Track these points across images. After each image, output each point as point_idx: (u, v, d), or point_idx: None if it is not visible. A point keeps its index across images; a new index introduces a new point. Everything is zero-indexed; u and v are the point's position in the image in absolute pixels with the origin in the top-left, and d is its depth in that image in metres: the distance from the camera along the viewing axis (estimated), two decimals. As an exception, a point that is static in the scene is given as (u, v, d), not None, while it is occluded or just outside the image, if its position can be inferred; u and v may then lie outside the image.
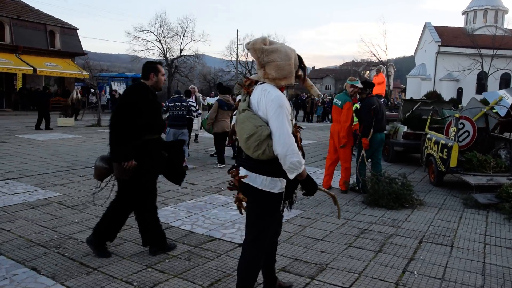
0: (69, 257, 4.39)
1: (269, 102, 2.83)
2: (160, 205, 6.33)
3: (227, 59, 47.04)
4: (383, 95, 14.80)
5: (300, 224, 5.89)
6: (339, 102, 7.74)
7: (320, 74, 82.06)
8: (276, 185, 2.97)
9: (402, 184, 7.14)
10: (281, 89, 3.01)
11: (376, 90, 14.62)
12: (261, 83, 2.96)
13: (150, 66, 4.35)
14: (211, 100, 14.17)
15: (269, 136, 2.78)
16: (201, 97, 13.64)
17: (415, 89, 46.93)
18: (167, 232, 5.20)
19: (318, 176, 9.39)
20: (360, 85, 7.70)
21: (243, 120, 2.88)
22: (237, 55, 44.07)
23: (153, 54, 38.35)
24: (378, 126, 7.74)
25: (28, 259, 4.29)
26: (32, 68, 26.17)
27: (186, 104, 9.57)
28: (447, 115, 10.74)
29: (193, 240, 5.08)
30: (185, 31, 38.89)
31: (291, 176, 2.84)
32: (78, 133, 16.17)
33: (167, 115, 9.51)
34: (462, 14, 50.23)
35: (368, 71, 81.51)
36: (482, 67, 38.77)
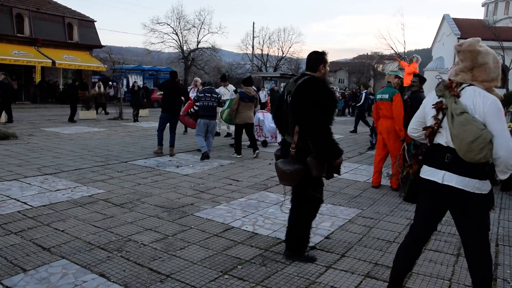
0: (135, 262, 4.05)
1: (488, 105, 2.82)
2: (212, 203, 6.01)
3: (242, 51, 46.63)
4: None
5: (365, 224, 5.51)
6: (386, 96, 7.30)
7: (333, 67, 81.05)
8: (487, 186, 2.94)
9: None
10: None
11: (407, 80, 14.13)
12: (467, 85, 2.94)
13: (319, 57, 3.99)
14: (220, 91, 13.58)
15: (491, 139, 2.78)
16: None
17: (433, 82, 45.87)
18: (230, 233, 4.88)
19: (361, 172, 9.02)
20: (402, 76, 7.61)
21: (465, 123, 2.81)
22: (252, 48, 43.61)
23: (169, 47, 38.02)
24: None
25: (93, 263, 3.95)
26: (51, 61, 25.96)
27: (216, 95, 9.81)
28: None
29: (261, 243, 4.72)
30: (202, 23, 38.48)
31: (503, 176, 2.87)
32: (102, 126, 15.89)
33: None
34: (482, 5, 49.28)
35: (381, 64, 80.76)
36: (504, 60, 37.90)
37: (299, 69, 53.04)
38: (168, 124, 10.22)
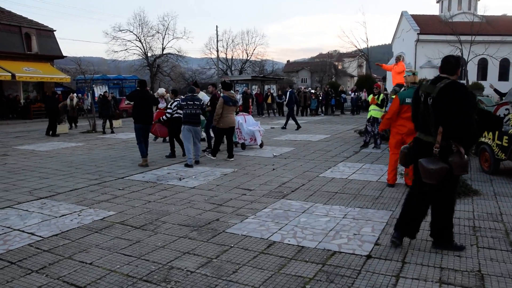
0: (192, 294, 3.53)
1: None
2: (238, 217, 5.57)
3: (206, 56, 45.93)
4: (404, 84, 14.21)
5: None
6: (409, 100, 7.01)
7: (295, 67, 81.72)
8: None
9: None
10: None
11: (396, 80, 14.07)
12: None
13: (457, 62, 4.28)
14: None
15: None
16: (169, 97, 12.92)
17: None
18: (275, 249, 4.51)
19: (369, 172, 8.78)
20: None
21: None
22: (217, 51, 42.98)
23: (133, 54, 36.82)
24: None
25: (146, 302, 3.40)
26: (10, 74, 24.48)
27: (199, 102, 9.78)
28: (493, 103, 10.45)
29: (314, 257, 4.35)
30: (166, 29, 37.52)
31: None
32: (78, 141, 15.01)
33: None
34: (437, 2, 50.65)
35: (340, 62, 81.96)
36: (462, 53, 39.07)
37: (264, 71, 52.86)
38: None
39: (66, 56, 30.18)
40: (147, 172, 9.04)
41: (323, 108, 27.99)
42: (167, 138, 12.08)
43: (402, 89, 12.30)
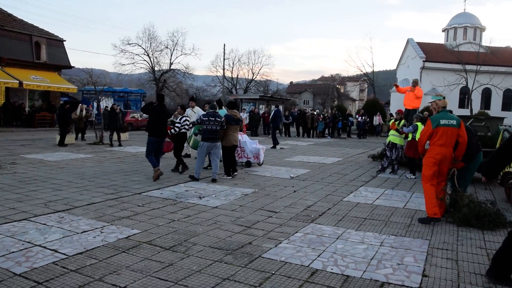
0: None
1: None
2: (271, 241, 5.27)
3: (212, 73, 45.90)
4: (417, 108, 14.07)
5: (447, 257, 4.89)
6: (454, 122, 6.72)
7: (298, 89, 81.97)
8: None
9: (492, 203, 6.81)
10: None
11: (413, 103, 13.87)
12: None
13: None
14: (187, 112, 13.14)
15: None
16: (177, 112, 12.76)
17: (399, 103, 46.85)
18: (320, 278, 4.30)
19: (392, 197, 8.54)
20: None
21: None
22: (223, 69, 42.94)
23: (140, 68, 36.72)
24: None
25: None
26: (18, 81, 24.27)
27: (220, 119, 9.76)
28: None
29: (363, 287, 4.00)
30: (175, 44, 37.39)
31: None
32: (86, 152, 14.68)
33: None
34: (443, 31, 51.07)
35: (342, 86, 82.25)
36: (467, 82, 39.18)
37: (268, 91, 52.88)
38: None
39: (74, 67, 30.04)
40: (164, 188, 8.72)
41: (330, 130, 27.78)
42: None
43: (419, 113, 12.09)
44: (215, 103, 10.94)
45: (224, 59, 43.34)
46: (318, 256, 4.90)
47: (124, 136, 18.99)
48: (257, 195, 8.35)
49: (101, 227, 5.77)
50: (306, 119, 26.92)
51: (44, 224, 5.83)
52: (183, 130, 10.70)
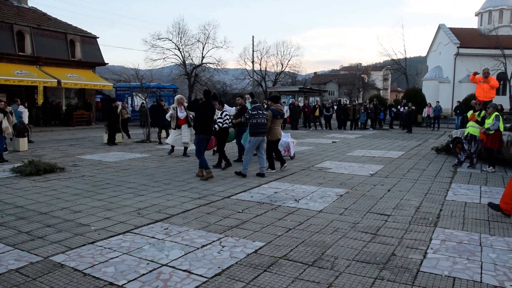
0: None
1: None
2: (414, 252, 4.58)
3: (241, 66, 45.19)
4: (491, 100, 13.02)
5: None
6: None
7: (323, 80, 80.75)
8: None
9: None
10: None
11: (489, 94, 12.87)
12: None
13: None
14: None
15: None
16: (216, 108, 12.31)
17: (433, 92, 45.51)
18: None
19: (495, 196, 7.65)
20: None
21: None
22: (252, 62, 42.19)
23: (171, 63, 36.17)
24: None
25: None
26: (56, 80, 23.97)
27: (266, 112, 9.74)
28: None
29: None
30: (207, 38, 36.62)
31: None
32: (139, 151, 14.15)
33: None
34: (476, 15, 49.33)
35: (365, 75, 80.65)
36: (506, 68, 37.68)
37: (296, 82, 52.01)
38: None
39: (107, 63, 29.68)
40: (249, 190, 8.09)
41: (374, 122, 26.86)
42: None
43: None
44: (255, 98, 10.78)
45: (253, 51, 42.63)
46: (484, 269, 4.27)
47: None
48: (353, 196, 7.66)
49: (218, 240, 5.13)
50: (347, 111, 26.04)
51: (153, 237, 5.23)
52: (225, 126, 10.42)
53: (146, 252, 4.67)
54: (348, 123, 26.39)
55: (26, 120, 16.04)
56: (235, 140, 11.81)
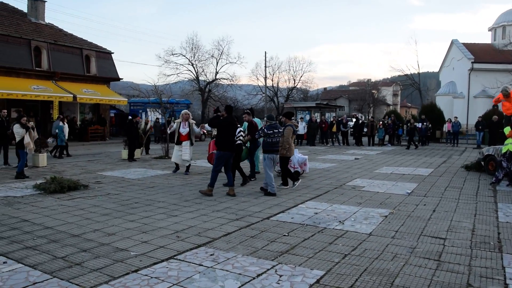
0: None
1: None
2: (495, 283, 4.06)
3: (253, 82, 44.99)
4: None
5: None
6: None
7: (333, 95, 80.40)
8: None
9: None
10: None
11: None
12: None
13: None
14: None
15: None
16: (194, 124, 12.06)
17: (446, 107, 44.89)
18: None
19: None
20: None
21: None
22: (265, 78, 41.96)
23: (184, 78, 36.02)
24: None
25: None
26: (72, 95, 23.82)
27: (281, 130, 9.57)
28: None
29: None
30: (221, 53, 36.47)
31: None
32: (160, 168, 13.80)
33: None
34: (489, 30, 49.00)
35: (375, 91, 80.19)
36: (522, 83, 37.17)
37: (308, 98, 51.73)
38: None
39: (122, 79, 29.56)
40: (287, 211, 7.66)
41: (393, 138, 26.38)
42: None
43: None
44: (271, 114, 11.04)
45: (265, 67, 42.45)
46: None
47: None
48: (399, 217, 7.22)
49: (272, 268, 4.70)
50: (365, 126, 25.61)
51: (200, 264, 4.80)
52: (238, 142, 10.20)
53: (199, 283, 4.25)
54: (364, 139, 25.93)
55: (66, 135, 16.85)
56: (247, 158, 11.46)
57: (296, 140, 24.04)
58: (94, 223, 6.67)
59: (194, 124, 12.55)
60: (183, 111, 12.92)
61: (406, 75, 47.02)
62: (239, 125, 10.48)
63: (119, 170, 13.06)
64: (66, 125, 16.96)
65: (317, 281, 4.32)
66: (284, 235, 6.04)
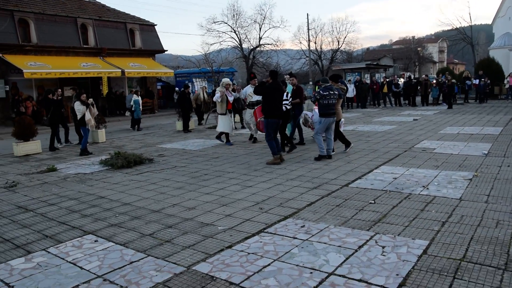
0: None
1: None
2: None
3: (296, 46, 44.04)
4: None
5: None
6: None
7: (376, 55, 77.74)
8: None
9: None
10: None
11: None
12: None
13: None
14: (247, 91, 12.00)
15: None
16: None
17: (502, 62, 42.39)
18: None
19: None
20: None
21: None
22: (308, 41, 40.88)
23: (227, 46, 35.63)
24: None
25: None
26: (120, 70, 24.04)
27: (337, 92, 9.14)
28: None
29: None
30: (264, 18, 35.66)
31: None
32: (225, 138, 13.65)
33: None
34: (548, -27, 45.37)
35: (420, 48, 76.92)
36: None
37: (352, 59, 50.27)
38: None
39: (166, 50, 29.56)
40: (363, 177, 7.37)
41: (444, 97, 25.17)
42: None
43: None
44: (325, 76, 10.53)
45: (308, 30, 41.34)
46: None
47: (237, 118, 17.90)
48: (485, 180, 6.81)
49: (371, 238, 4.47)
50: (419, 86, 24.55)
51: (294, 237, 4.63)
52: (285, 108, 9.73)
53: (300, 258, 4.08)
54: (417, 98, 24.91)
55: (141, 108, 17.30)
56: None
57: (346, 103, 23.44)
58: (170, 197, 6.62)
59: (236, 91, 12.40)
60: (224, 79, 12.66)
61: (456, 29, 44.49)
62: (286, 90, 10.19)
63: (178, 142, 13.09)
64: (140, 98, 17.42)
65: (424, 251, 4.07)
66: (370, 203, 5.78)
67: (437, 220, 4.96)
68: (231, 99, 11.96)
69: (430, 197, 5.95)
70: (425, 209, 5.41)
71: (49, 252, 4.57)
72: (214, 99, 12.27)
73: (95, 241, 4.87)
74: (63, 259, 4.37)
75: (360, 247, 4.26)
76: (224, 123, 11.91)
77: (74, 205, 6.47)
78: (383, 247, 4.23)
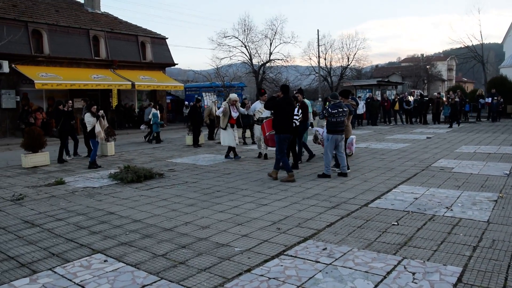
0: None
1: None
2: None
3: (305, 62, 43.96)
4: None
5: None
6: None
7: (385, 72, 77.60)
8: None
9: None
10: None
11: None
12: None
13: None
14: (256, 107, 11.98)
15: None
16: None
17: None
18: None
19: None
20: None
21: None
22: (318, 57, 40.76)
23: (238, 61, 35.58)
24: None
25: None
26: (130, 83, 24.00)
27: (346, 109, 8.90)
28: None
29: None
30: (275, 33, 35.63)
31: None
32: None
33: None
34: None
35: (429, 66, 76.67)
36: None
37: (361, 76, 50.10)
38: None
39: (177, 64, 29.56)
40: (383, 196, 7.09)
41: (459, 115, 24.83)
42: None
43: None
44: (335, 92, 10.66)
45: (318, 46, 41.25)
46: None
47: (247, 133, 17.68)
48: (511, 201, 6.46)
49: (399, 264, 4.19)
50: (431, 103, 24.29)
51: (317, 261, 4.37)
52: (297, 123, 9.88)
53: (325, 284, 3.81)
54: (428, 116, 24.62)
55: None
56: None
57: (355, 120, 23.18)
58: (182, 215, 6.37)
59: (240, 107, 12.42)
60: (231, 95, 12.67)
61: (467, 47, 44.20)
62: (297, 104, 10.05)
63: (188, 157, 12.87)
64: (158, 112, 17.62)
65: (459, 280, 3.77)
66: (393, 224, 5.49)
67: (467, 245, 4.68)
68: (234, 115, 11.89)
69: (456, 219, 5.67)
70: (452, 232, 5.13)
71: (55, 272, 4.33)
72: (217, 113, 12.26)
73: (105, 260, 4.62)
74: (70, 280, 4.12)
75: (388, 273, 3.98)
76: (225, 137, 12.04)
77: (83, 221, 6.24)
78: (413, 273, 3.95)
